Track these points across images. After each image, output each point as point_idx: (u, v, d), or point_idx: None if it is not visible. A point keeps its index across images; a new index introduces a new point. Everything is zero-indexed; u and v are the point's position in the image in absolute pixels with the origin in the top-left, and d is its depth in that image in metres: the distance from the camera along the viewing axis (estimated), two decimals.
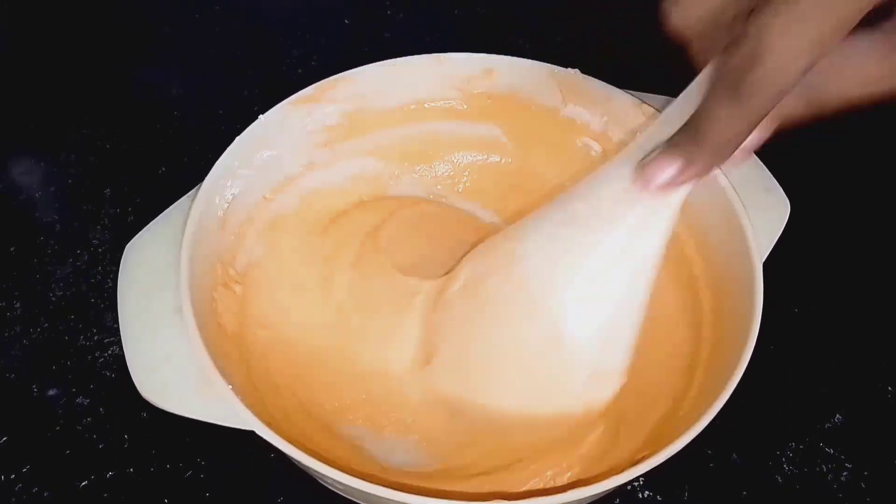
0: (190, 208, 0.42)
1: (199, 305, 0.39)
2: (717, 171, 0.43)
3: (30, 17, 0.73)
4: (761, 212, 0.43)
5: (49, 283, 0.54)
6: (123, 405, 0.47)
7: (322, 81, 0.48)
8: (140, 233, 0.43)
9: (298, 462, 0.35)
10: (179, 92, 0.67)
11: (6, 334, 0.51)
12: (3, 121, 0.64)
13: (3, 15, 0.73)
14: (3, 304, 0.53)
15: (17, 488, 0.45)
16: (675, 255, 0.48)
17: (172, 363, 0.37)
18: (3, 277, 0.54)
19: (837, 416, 0.48)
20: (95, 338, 0.51)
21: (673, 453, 0.34)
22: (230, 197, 0.45)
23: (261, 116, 0.46)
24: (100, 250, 0.56)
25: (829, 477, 0.45)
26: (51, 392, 0.49)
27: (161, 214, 0.43)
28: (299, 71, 0.68)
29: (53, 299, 0.53)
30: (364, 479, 0.33)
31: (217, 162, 0.44)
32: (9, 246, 0.56)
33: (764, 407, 0.47)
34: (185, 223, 0.41)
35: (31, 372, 0.49)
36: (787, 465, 0.46)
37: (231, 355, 0.42)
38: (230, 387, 0.36)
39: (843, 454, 0.46)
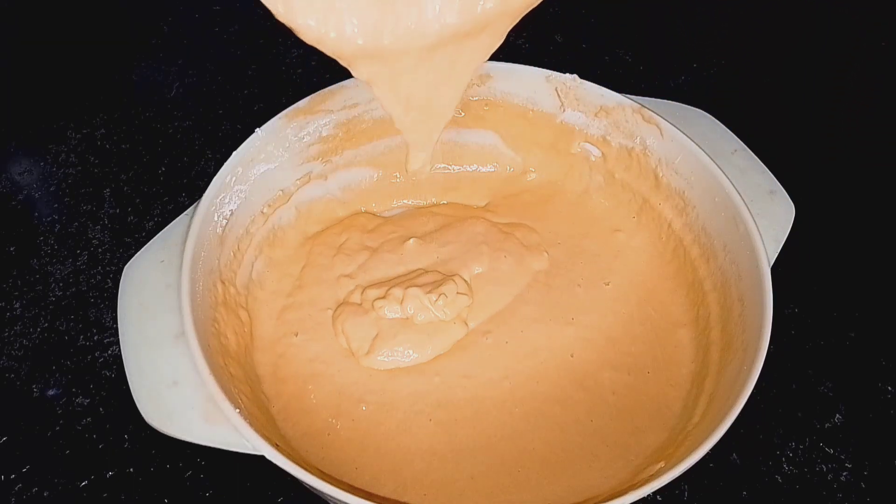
0: (189, 227, 0.41)
1: (202, 327, 0.39)
2: (721, 175, 0.43)
3: (30, 17, 0.73)
4: (766, 216, 0.43)
5: (49, 283, 0.54)
6: (123, 405, 0.47)
7: (316, 93, 0.47)
8: (138, 254, 0.43)
9: (311, 487, 0.34)
10: (179, 92, 0.67)
11: (6, 334, 0.51)
12: (3, 121, 0.64)
13: (4, 15, 0.73)
14: (3, 304, 0.53)
15: (17, 488, 0.45)
16: (679, 259, 0.48)
17: (178, 389, 0.37)
18: (3, 277, 0.54)
19: (837, 416, 0.48)
20: (95, 338, 0.51)
21: (692, 464, 0.34)
22: (228, 213, 0.45)
23: (257, 130, 0.45)
24: (100, 250, 0.56)
25: (829, 477, 0.46)
26: (51, 392, 0.49)
27: (158, 234, 0.43)
28: (299, 71, 0.68)
29: (53, 299, 0.53)
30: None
31: (214, 178, 0.44)
32: (9, 246, 0.56)
33: (764, 407, 0.47)
34: (183, 242, 0.41)
35: (31, 372, 0.49)
36: (787, 465, 0.46)
37: (237, 375, 0.41)
38: (238, 411, 0.35)
39: (843, 454, 0.46)
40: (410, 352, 0.45)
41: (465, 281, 0.48)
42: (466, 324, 0.47)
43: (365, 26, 0.30)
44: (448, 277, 0.47)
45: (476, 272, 0.48)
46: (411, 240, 0.50)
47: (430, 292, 0.46)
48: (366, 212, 0.53)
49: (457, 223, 0.51)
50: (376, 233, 0.51)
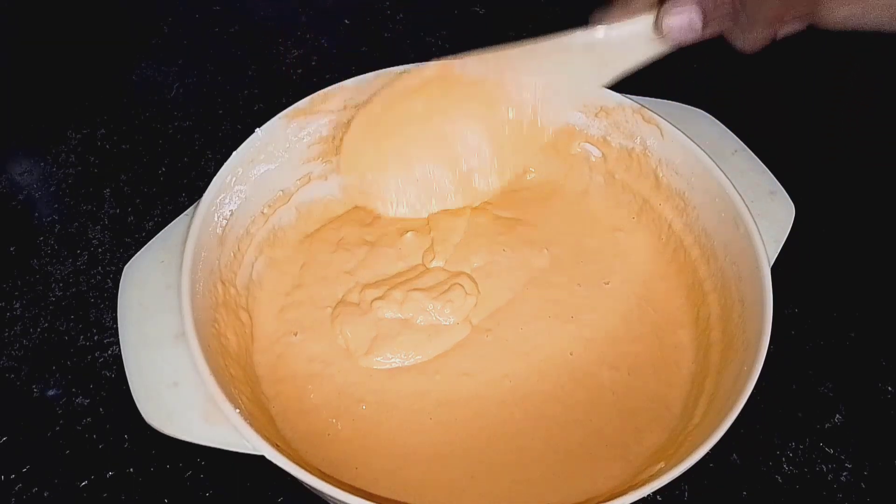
0: (189, 227, 0.41)
1: (202, 327, 0.39)
2: (721, 176, 0.43)
3: (30, 17, 0.73)
4: (766, 217, 0.43)
5: (49, 283, 0.54)
6: (123, 405, 0.47)
7: (316, 93, 0.47)
8: (138, 254, 0.42)
9: (311, 487, 0.34)
10: (179, 92, 0.67)
11: (6, 334, 0.51)
12: (3, 121, 0.64)
13: (4, 15, 0.73)
14: (3, 304, 0.53)
15: (17, 488, 0.45)
16: (679, 260, 0.48)
17: (178, 389, 0.37)
18: (3, 277, 0.54)
19: (837, 416, 0.48)
20: (95, 338, 0.51)
21: (692, 464, 0.34)
22: (228, 213, 0.45)
23: (257, 130, 0.45)
24: (100, 250, 0.56)
25: (829, 477, 0.46)
26: (51, 392, 0.49)
27: (158, 234, 0.43)
28: (299, 71, 0.68)
29: (53, 299, 0.53)
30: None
31: (214, 178, 0.44)
32: (9, 246, 0.56)
33: (764, 407, 0.47)
34: (183, 242, 0.41)
35: (31, 372, 0.49)
36: (787, 465, 0.46)
37: (237, 375, 0.41)
38: (238, 411, 0.35)
39: (843, 454, 0.46)
40: (411, 353, 0.45)
41: (471, 278, 0.48)
42: (471, 323, 0.47)
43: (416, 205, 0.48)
44: (454, 279, 0.47)
45: (475, 266, 0.48)
46: (409, 233, 0.50)
47: (435, 299, 0.46)
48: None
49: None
50: (374, 226, 0.51)
